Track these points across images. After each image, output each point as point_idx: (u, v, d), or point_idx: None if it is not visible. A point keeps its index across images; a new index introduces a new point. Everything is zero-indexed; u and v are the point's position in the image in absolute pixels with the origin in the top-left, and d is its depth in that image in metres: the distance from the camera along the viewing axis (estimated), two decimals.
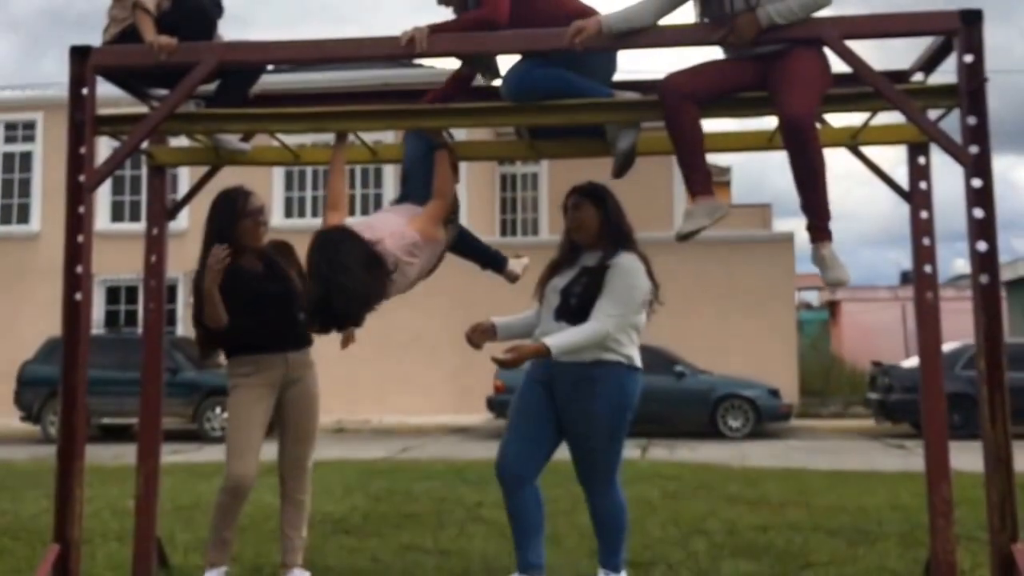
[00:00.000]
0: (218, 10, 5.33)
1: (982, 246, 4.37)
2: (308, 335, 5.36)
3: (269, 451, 5.36)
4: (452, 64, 5.31)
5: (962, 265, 49.04)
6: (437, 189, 4.76)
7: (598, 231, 4.89)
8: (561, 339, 4.50)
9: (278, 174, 22.92)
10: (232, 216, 5.25)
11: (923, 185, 5.31)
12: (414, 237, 4.50)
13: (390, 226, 4.52)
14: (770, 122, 5.08)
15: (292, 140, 5.64)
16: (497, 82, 5.15)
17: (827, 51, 4.52)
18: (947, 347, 15.00)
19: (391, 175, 21.87)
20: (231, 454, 5.14)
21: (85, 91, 4.85)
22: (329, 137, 5.23)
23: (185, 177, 18.44)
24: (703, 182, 4.61)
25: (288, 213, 22.88)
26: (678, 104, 4.53)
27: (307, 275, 4.30)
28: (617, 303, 4.64)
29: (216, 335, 5.21)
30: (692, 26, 4.72)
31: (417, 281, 4.72)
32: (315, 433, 5.46)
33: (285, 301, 5.27)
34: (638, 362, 4.79)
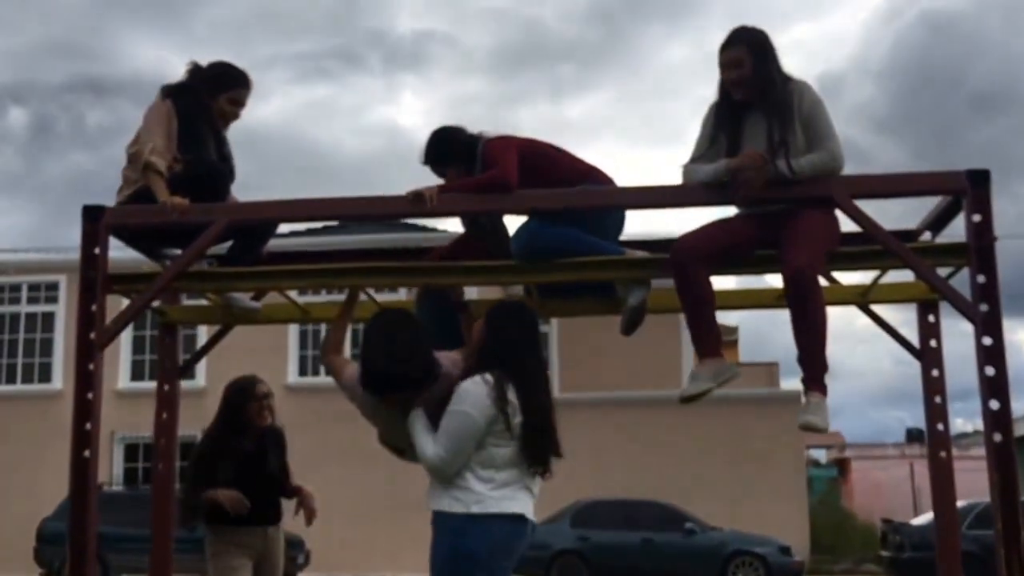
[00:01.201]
0: (230, 173, 5.42)
1: (995, 404, 4.32)
2: (280, 511, 5.88)
3: None
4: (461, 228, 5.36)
5: (962, 424, 48.74)
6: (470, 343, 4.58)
7: (476, 351, 4.21)
8: None
9: (293, 332, 23.02)
10: (243, 399, 5.80)
11: (933, 343, 5.29)
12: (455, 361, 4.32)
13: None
14: (778, 280, 5.10)
15: (303, 300, 5.67)
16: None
17: (836, 211, 4.56)
18: None
19: None
20: None
21: (97, 250, 4.89)
22: (340, 296, 5.25)
23: (204, 336, 18.54)
24: (713, 344, 4.59)
25: (303, 371, 22.88)
26: (689, 268, 4.54)
27: (366, 332, 4.18)
28: (443, 434, 3.96)
29: (203, 504, 5.62)
30: (709, 185, 4.75)
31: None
32: None
33: (270, 481, 5.80)
34: (493, 506, 3.93)
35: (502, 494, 3.95)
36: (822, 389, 4.45)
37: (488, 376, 3.96)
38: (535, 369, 4.11)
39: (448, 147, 5.05)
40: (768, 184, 4.48)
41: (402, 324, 4.17)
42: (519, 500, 4.00)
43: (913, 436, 33.46)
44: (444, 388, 4.10)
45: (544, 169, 4.88)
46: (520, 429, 3.94)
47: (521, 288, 5.53)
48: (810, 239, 4.43)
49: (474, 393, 3.93)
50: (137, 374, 23.26)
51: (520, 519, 3.98)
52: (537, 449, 4.00)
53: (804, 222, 4.47)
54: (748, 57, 4.64)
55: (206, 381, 21.48)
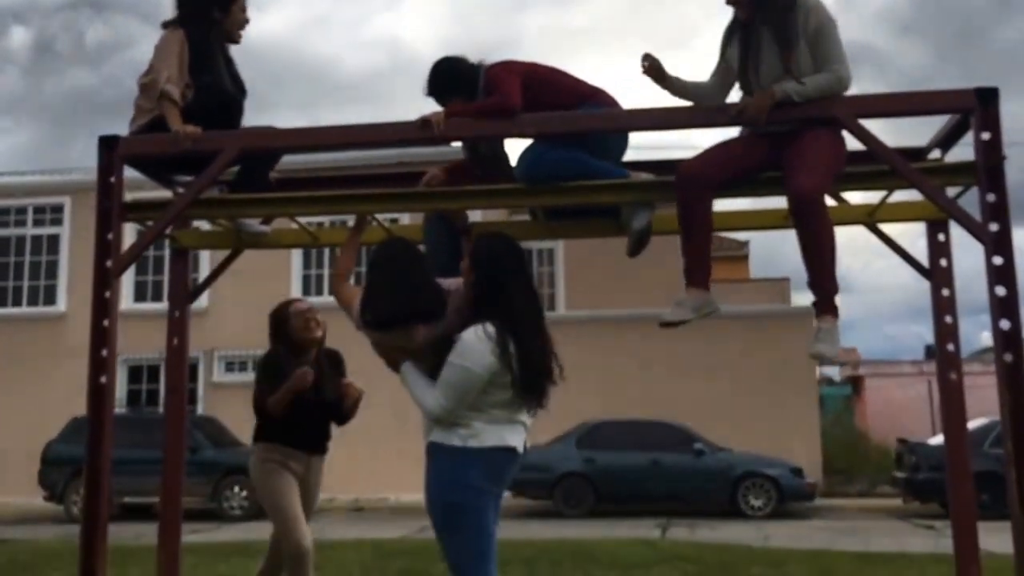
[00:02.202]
0: (241, 93, 5.47)
1: (1005, 324, 4.34)
2: (328, 442, 6.00)
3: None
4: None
5: (987, 338, 48.72)
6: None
7: (468, 293, 4.19)
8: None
9: (296, 253, 23.14)
10: (283, 318, 5.94)
11: (943, 262, 5.28)
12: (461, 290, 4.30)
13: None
14: (782, 202, 5.10)
15: (310, 221, 5.73)
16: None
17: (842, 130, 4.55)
18: (974, 424, 14.66)
19: None
20: (288, 526, 5.56)
21: (113, 179, 4.97)
22: (346, 218, 5.29)
23: (206, 257, 18.61)
24: (703, 274, 4.63)
25: (306, 290, 22.98)
26: (693, 193, 4.57)
27: (370, 267, 4.20)
28: (444, 385, 4.00)
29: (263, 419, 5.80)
30: (714, 106, 4.78)
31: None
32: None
33: (323, 409, 5.88)
34: (489, 439, 4.01)
35: (498, 428, 4.03)
36: (833, 312, 4.48)
37: (489, 329, 3.96)
38: (529, 308, 4.11)
39: (450, 77, 5.05)
40: (772, 108, 4.49)
41: (402, 261, 4.17)
42: (515, 433, 4.08)
43: (932, 352, 33.22)
44: (452, 324, 4.13)
45: (547, 93, 4.89)
46: (518, 373, 3.97)
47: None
48: (815, 162, 4.43)
49: (477, 349, 3.94)
50: (140, 295, 23.38)
51: (512, 451, 4.07)
52: (536, 390, 4.05)
53: (810, 145, 4.48)
54: None
55: (209, 302, 21.70)
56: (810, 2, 4.61)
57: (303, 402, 5.66)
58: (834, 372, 40.75)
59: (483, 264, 4.10)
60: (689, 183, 4.59)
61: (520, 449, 4.11)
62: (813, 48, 4.55)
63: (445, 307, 4.16)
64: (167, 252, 6.22)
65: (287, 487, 5.69)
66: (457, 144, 5.43)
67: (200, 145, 4.92)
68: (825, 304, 4.48)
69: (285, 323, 5.91)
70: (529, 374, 3.99)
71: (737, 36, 4.78)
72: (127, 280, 22.94)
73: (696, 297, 4.58)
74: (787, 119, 4.55)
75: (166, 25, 5.34)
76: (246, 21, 5.54)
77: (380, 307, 4.13)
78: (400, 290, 4.07)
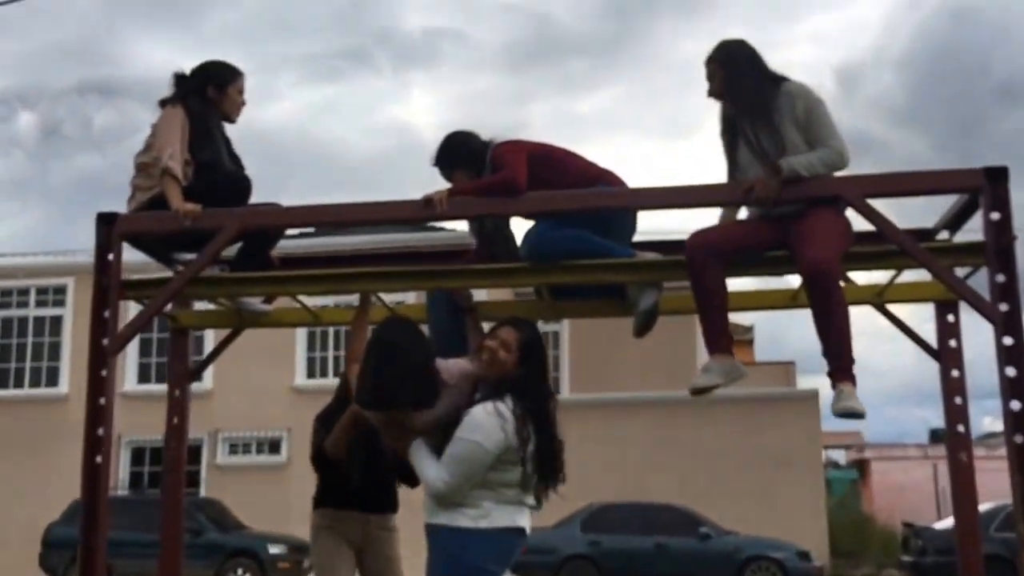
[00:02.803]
0: (241, 171, 5.42)
1: (1016, 405, 4.28)
2: (394, 501, 5.33)
3: None
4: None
5: (990, 423, 48.51)
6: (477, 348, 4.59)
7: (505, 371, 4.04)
8: None
9: (301, 334, 23.03)
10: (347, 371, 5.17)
11: (952, 343, 5.24)
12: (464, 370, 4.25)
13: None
14: (792, 281, 5.08)
15: (313, 302, 5.68)
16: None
17: (849, 211, 4.53)
18: (981, 508, 14.46)
19: None
20: None
21: (111, 257, 4.92)
22: (350, 299, 5.24)
23: (211, 337, 18.59)
24: (725, 340, 4.61)
25: (311, 373, 22.87)
26: (704, 261, 4.56)
27: (366, 350, 4.16)
28: (450, 460, 3.89)
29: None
30: (720, 185, 4.77)
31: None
32: None
33: (380, 460, 5.07)
34: (500, 520, 3.90)
35: (508, 508, 3.93)
36: (852, 380, 4.42)
37: (504, 408, 3.88)
38: (548, 395, 4.08)
39: (458, 151, 5.06)
40: (782, 187, 4.50)
41: (398, 345, 4.09)
42: (523, 515, 4.00)
43: (937, 436, 33.22)
44: (451, 402, 4.06)
45: (555, 173, 4.88)
46: (533, 458, 3.89)
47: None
48: (826, 236, 4.44)
49: (487, 425, 3.84)
50: (144, 377, 23.26)
51: (521, 532, 3.98)
52: (549, 475, 3.98)
53: (817, 221, 4.48)
54: (719, 71, 4.85)
55: (213, 383, 21.64)
56: (793, 87, 4.72)
57: (358, 452, 4.97)
58: (840, 456, 40.57)
59: (533, 348, 4.06)
60: (699, 251, 4.59)
61: (527, 530, 4.01)
62: (806, 132, 4.62)
63: (436, 393, 4.04)
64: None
65: (333, 555, 5.14)
66: (461, 228, 5.41)
67: (200, 223, 4.87)
68: (844, 372, 4.41)
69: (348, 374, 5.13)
70: (546, 457, 3.92)
71: (723, 127, 4.93)
72: (131, 362, 23.01)
73: (722, 363, 4.56)
74: (794, 199, 4.55)
75: (164, 103, 5.35)
76: (242, 103, 5.54)
77: (365, 393, 4.09)
78: (389, 376, 3.99)
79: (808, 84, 4.76)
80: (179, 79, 5.45)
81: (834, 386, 4.42)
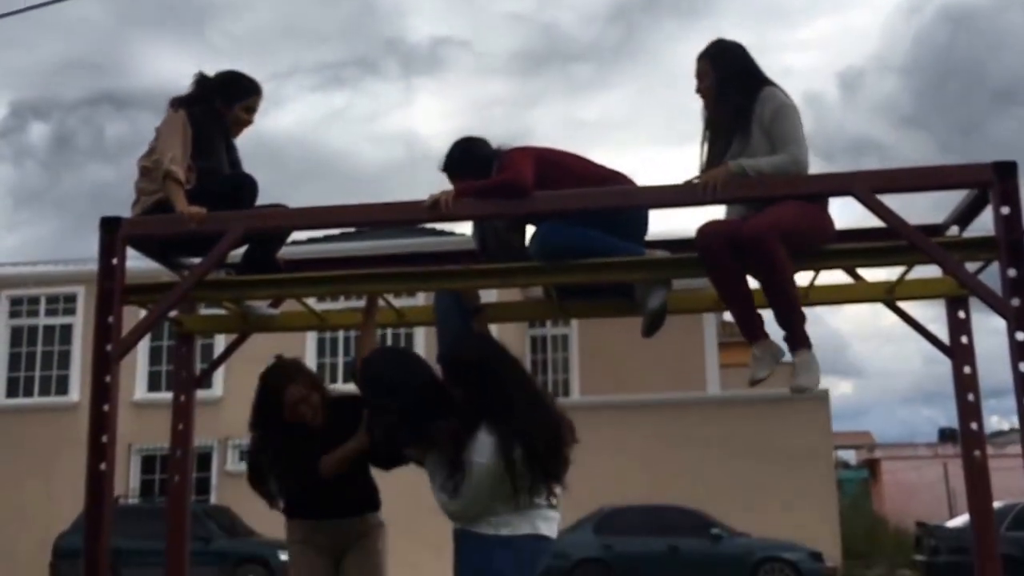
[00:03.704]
0: (249, 181, 5.35)
1: None
2: (373, 499, 5.02)
3: None
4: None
5: (997, 422, 48.36)
6: None
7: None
8: None
9: (311, 340, 23.04)
10: (276, 407, 4.91)
11: (964, 339, 5.20)
12: None
13: None
14: (801, 278, 5.03)
15: (320, 305, 5.65)
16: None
17: (848, 207, 4.51)
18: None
19: (421, 337, 21.91)
20: None
21: (115, 261, 4.89)
22: (356, 302, 5.21)
23: (220, 344, 18.60)
24: (759, 324, 4.61)
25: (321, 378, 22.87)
26: (720, 245, 4.55)
27: (372, 389, 4.18)
28: (465, 484, 3.95)
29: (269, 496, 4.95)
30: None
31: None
32: None
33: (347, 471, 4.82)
34: (521, 528, 3.98)
35: (527, 515, 3.99)
36: (806, 344, 4.50)
37: (489, 430, 3.92)
38: (527, 401, 4.02)
39: (467, 157, 5.03)
40: (730, 182, 4.54)
41: (384, 381, 4.14)
42: (547, 520, 4.06)
43: (946, 435, 33.31)
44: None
45: (563, 177, 4.84)
46: (528, 469, 3.91)
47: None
48: (773, 211, 4.49)
49: (489, 445, 3.90)
50: (154, 385, 23.30)
51: (546, 539, 4.04)
52: (548, 479, 3.99)
53: (778, 205, 4.54)
54: (711, 71, 4.89)
55: (223, 391, 21.65)
56: (766, 93, 4.77)
57: (304, 465, 4.72)
58: (850, 456, 40.53)
59: (459, 379, 4.08)
60: (713, 237, 4.59)
61: (552, 536, 4.07)
62: (769, 134, 4.66)
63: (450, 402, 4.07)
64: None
65: (305, 569, 4.86)
66: (468, 230, 5.37)
67: (204, 226, 4.84)
68: (796, 338, 4.49)
69: (279, 412, 4.86)
70: (538, 467, 3.93)
71: (706, 124, 5.00)
72: (141, 370, 23.11)
73: (765, 348, 4.56)
74: (792, 195, 4.57)
75: (172, 104, 5.33)
76: (247, 122, 5.51)
77: (402, 433, 4.12)
78: (414, 409, 4.05)
79: (783, 91, 4.81)
80: (198, 81, 5.43)
81: (793, 354, 4.49)
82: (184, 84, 5.45)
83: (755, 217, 4.51)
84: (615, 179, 4.94)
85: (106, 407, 4.77)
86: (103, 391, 4.80)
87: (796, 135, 4.65)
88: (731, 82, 4.83)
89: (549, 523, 4.05)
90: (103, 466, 4.74)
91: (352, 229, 22.10)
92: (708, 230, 4.62)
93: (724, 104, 4.86)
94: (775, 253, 4.41)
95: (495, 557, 3.93)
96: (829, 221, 4.73)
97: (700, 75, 4.92)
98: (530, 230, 5.02)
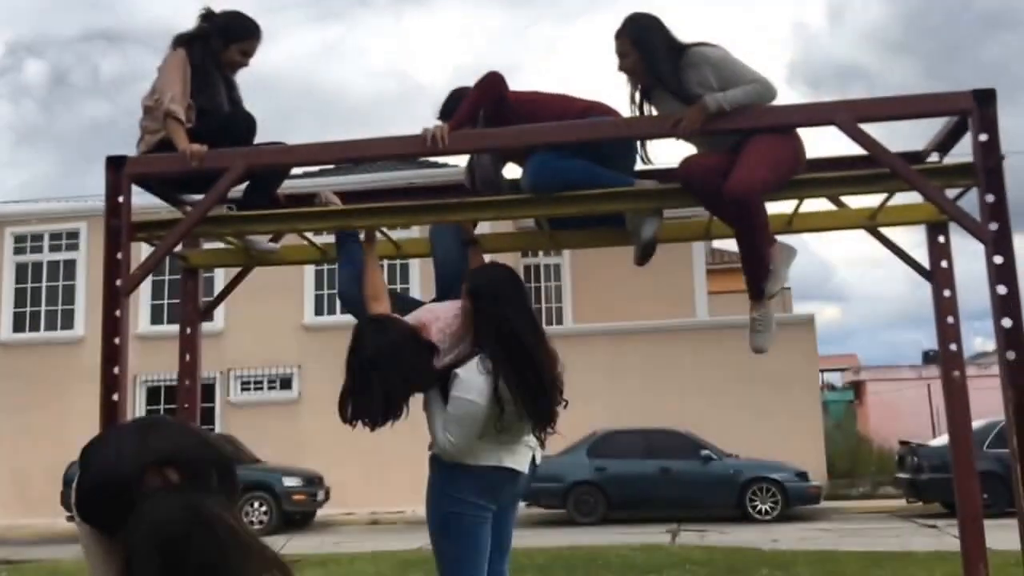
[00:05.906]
0: (246, 122, 5.43)
1: (1007, 322, 4.36)
2: None
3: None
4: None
5: (981, 343, 48.73)
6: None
7: (467, 322, 4.27)
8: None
9: (309, 272, 23.15)
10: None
11: (944, 264, 5.31)
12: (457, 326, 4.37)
13: (436, 313, 4.44)
14: (784, 207, 5.17)
15: (320, 239, 5.77)
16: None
17: (840, 133, 4.60)
18: (974, 425, 14.60)
19: (417, 269, 22.05)
20: None
21: (121, 199, 5.00)
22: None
23: (220, 278, 18.70)
24: (768, 232, 4.74)
25: (319, 311, 23.02)
26: (703, 177, 4.65)
27: (348, 360, 4.25)
28: (451, 421, 4.12)
29: None
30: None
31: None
32: None
33: None
34: (484, 459, 4.15)
35: (496, 449, 4.17)
36: (766, 297, 4.78)
37: (481, 363, 4.07)
38: (529, 337, 4.16)
39: (460, 102, 5.12)
40: (709, 118, 4.58)
41: (366, 355, 4.19)
42: (515, 455, 4.23)
43: (930, 358, 33.53)
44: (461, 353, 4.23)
45: (540, 110, 4.95)
46: (523, 406, 4.05)
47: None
48: (755, 161, 4.55)
49: (476, 383, 4.05)
50: (157, 318, 23.62)
51: (509, 471, 4.22)
52: (540, 416, 4.14)
53: (754, 146, 4.60)
54: (632, 51, 4.87)
55: (225, 323, 21.87)
56: (692, 57, 4.77)
57: None
58: (836, 378, 40.89)
59: (482, 294, 4.20)
60: (695, 168, 4.71)
61: (521, 468, 4.25)
62: (727, 84, 4.63)
63: (430, 360, 4.19)
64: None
65: None
66: (462, 163, 5.47)
67: (207, 163, 4.93)
68: (757, 291, 4.75)
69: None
70: (530, 402, 4.07)
71: (639, 101, 4.98)
72: (144, 303, 23.35)
73: (779, 254, 4.75)
74: (777, 125, 4.68)
75: (174, 43, 5.39)
76: (241, 64, 5.54)
77: (345, 410, 4.22)
78: (363, 396, 4.16)
79: (706, 43, 4.83)
80: (202, 17, 5.46)
81: (753, 306, 4.75)
82: (177, 20, 5.52)
83: (737, 171, 4.52)
84: (594, 109, 5.01)
85: (117, 340, 4.89)
86: (114, 325, 4.92)
87: (748, 69, 4.68)
88: (658, 59, 4.81)
89: (515, 456, 4.22)
90: (115, 396, 4.87)
91: (348, 164, 22.18)
92: (692, 163, 4.75)
93: (655, 79, 4.86)
94: (758, 216, 4.58)
95: (457, 482, 4.14)
96: (801, 148, 4.79)
97: (621, 54, 4.90)
98: (510, 168, 5.16)
